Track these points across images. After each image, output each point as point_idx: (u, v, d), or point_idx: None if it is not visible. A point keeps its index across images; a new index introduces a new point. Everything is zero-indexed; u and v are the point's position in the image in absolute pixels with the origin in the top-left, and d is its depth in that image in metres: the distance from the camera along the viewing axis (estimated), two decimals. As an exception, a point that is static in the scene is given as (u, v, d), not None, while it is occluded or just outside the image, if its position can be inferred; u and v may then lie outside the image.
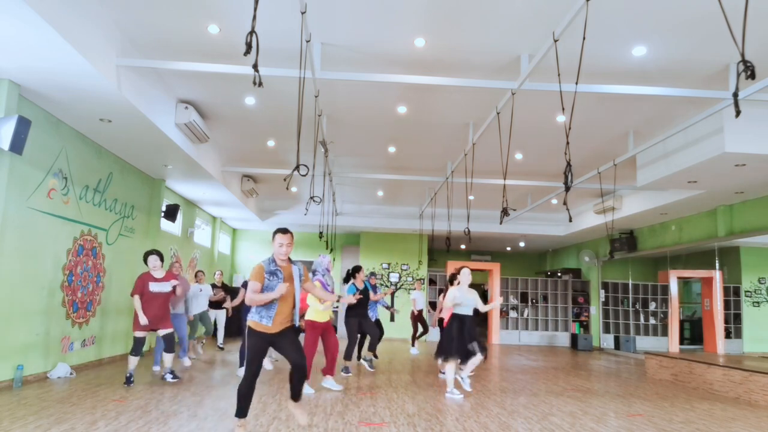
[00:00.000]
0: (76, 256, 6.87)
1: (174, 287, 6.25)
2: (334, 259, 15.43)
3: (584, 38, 4.15)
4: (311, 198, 6.25)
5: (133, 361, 5.98)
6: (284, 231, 3.94)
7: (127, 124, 6.35)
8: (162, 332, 6.17)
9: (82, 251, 7.01)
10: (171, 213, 9.56)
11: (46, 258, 6.21)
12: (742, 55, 2.66)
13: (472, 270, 6.48)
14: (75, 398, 5.18)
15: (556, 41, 4.63)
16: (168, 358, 6.25)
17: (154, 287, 6.10)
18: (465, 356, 6.15)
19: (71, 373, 6.47)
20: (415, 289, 11.79)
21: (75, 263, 6.84)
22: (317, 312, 6.03)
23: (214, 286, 9.47)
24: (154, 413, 4.67)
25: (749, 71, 2.60)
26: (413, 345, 11.28)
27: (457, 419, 4.90)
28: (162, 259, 6.24)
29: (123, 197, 8.13)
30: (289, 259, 4.04)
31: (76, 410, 4.67)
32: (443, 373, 7.37)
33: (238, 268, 15.35)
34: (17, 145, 4.98)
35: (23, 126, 5.01)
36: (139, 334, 6.01)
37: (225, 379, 6.63)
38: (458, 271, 6.41)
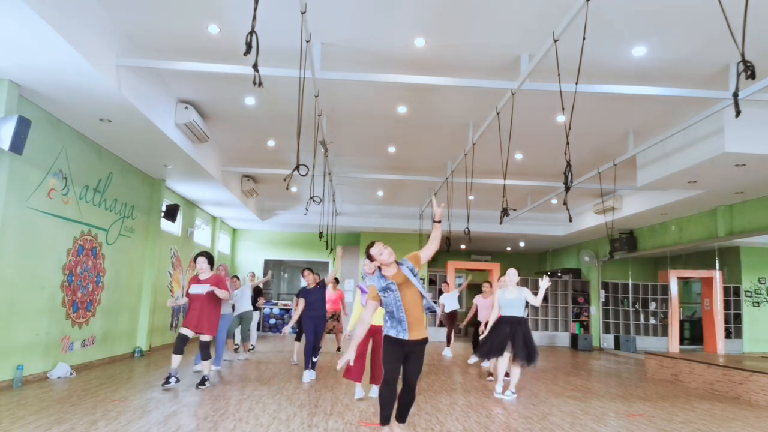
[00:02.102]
0: (76, 256, 6.87)
1: (209, 291, 5.95)
2: (333, 260, 15.58)
3: (584, 38, 4.16)
4: (311, 198, 6.26)
5: (174, 360, 5.85)
6: (371, 244, 4.01)
7: (127, 124, 6.35)
8: (201, 338, 5.97)
9: (82, 251, 7.01)
10: (171, 213, 9.57)
11: (46, 258, 6.21)
12: (742, 55, 2.66)
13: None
14: (75, 398, 5.18)
15: (556, 41, 4.63)
16: (203, 365, 6.07)
17: (192, 289, 6.00)
18: (489, 355, 6.20)
19: (71, 373, 6.48)
20: (444, 292, 11.24)
21: (75, 263, 6.84)
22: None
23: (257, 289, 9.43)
24: (154, 413, 4.67)
25: (749, 71, 2.61)
26: (448, 345, 10.96)
27: (457, 419, 4.90)
28: (211, 262, 6.10)
29: (123, 197, 8.13)
30: (397, 262, 3.98)
31: (76, 410, 4.67)
32: (490, 377, 7.41)
33: (238, 269, 15.34)
34: (17, 145, 4.97)
35: (23, 126, 5.01)
36: (182, 330, 5.89)
37: (227, 379, 6.64)
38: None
